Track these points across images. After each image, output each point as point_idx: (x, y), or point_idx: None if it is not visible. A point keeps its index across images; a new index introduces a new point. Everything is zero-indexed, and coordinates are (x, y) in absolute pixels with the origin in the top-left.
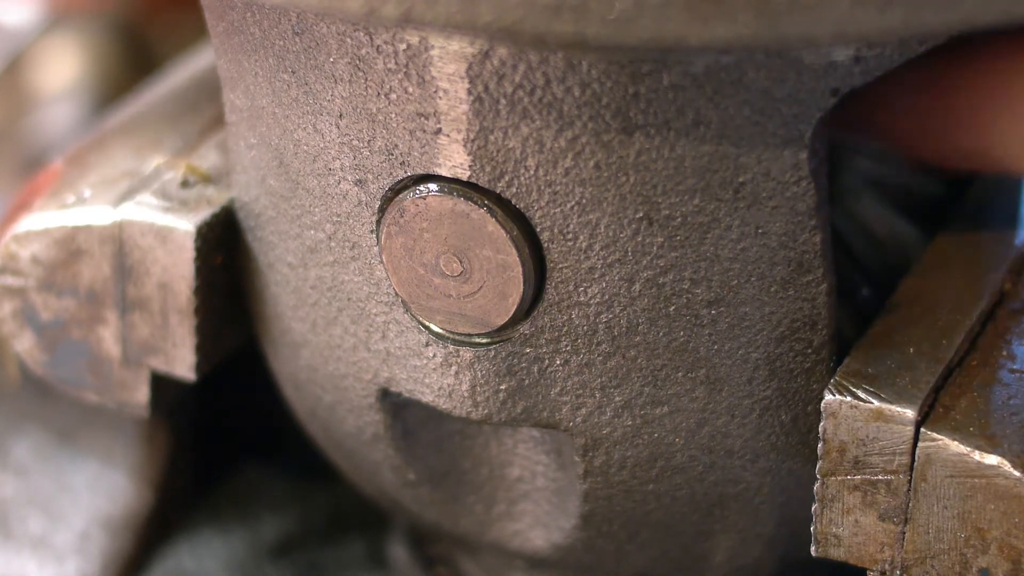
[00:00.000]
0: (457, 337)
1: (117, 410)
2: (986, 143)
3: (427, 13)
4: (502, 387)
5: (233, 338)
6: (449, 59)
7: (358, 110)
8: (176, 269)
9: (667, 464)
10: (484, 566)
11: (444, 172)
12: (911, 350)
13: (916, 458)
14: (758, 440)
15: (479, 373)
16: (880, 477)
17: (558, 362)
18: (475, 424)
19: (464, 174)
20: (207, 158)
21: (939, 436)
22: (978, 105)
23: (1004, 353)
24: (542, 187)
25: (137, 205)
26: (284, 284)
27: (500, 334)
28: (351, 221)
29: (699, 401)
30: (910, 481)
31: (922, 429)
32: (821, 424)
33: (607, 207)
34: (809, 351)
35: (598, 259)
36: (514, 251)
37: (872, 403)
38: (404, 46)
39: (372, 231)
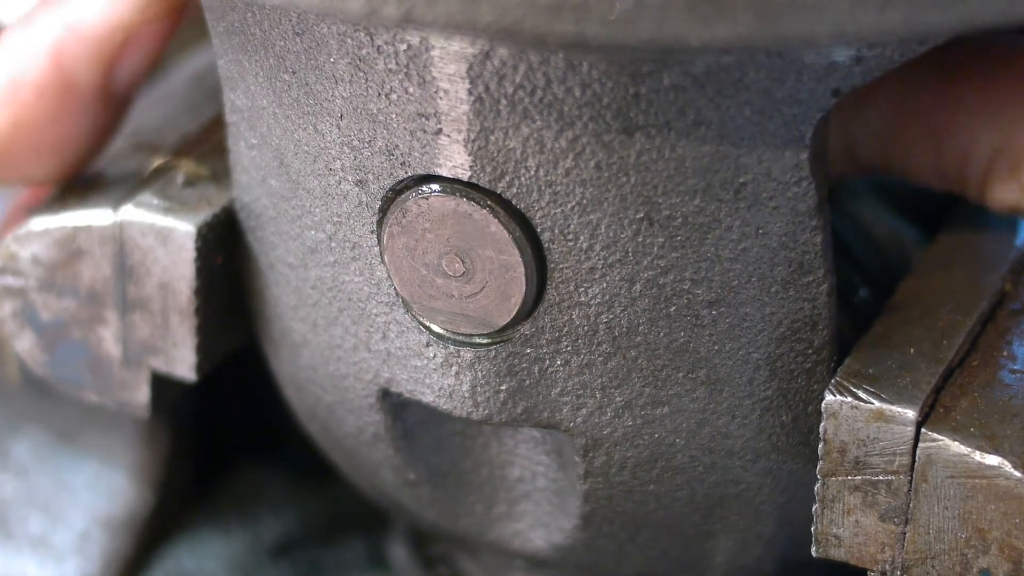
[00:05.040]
0: (458, 337)
1: (117, 410)
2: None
3: (428, 13)
4: (503, 387)
5: (233, 338)
6: (450, 59)
7: (359, 110)
8: (176, 269)
9: (668, 464)
10: (484, 566)
11: (444, 172)
12: (911, 350)
13: (917, 458)
14: (759, 440)
15: (480, 373)
16: (881, 477)
17: (559, 362)
18: (476, 424)
19: (465, 174)
20: (207, 158)
21: (940, 436)
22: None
23: (1004, 353)
24: (543, 187)
25: (137, 205)
26: (284, 284)
27: (501, 334)
28: (352, 221)
29: (700, 401)
30: (911, 482)
31: (923, 429)
32: (822, 424)
33: (608, 207)
34: (810, 351)
35: (599, 259)
36: (516, 251)
37: (873, 403)
38: (405, 46)
39: (373, 231)
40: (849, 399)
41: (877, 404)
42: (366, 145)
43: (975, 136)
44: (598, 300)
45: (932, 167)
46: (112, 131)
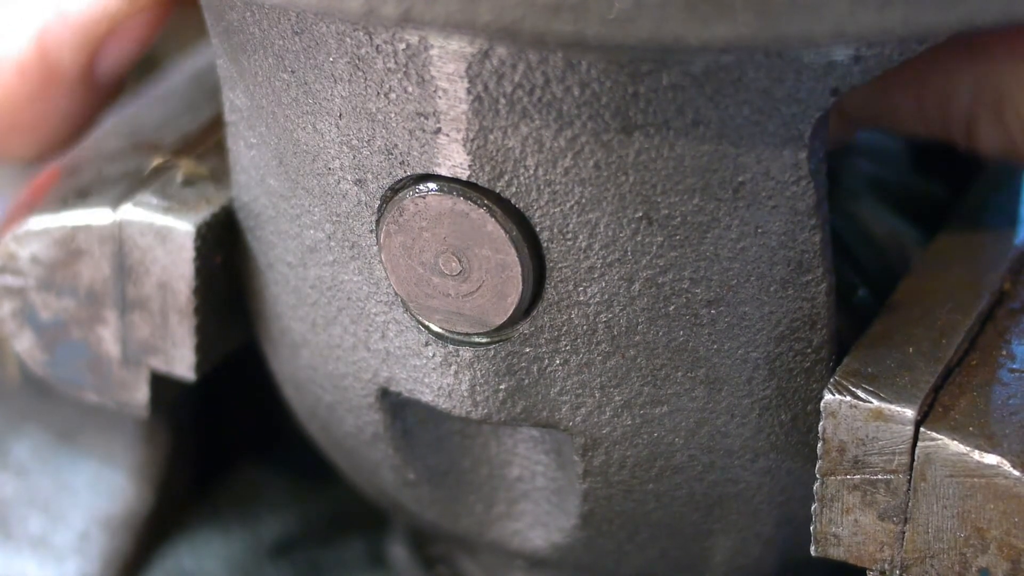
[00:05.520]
0: (456, 337)
1: (117, 410)
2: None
3: (426, 13)
4: (501, 387)
5: (233, 338)
6: (448, 59)
7: (358, 110)
8: (176, 269)
9: (667, 464)
10: (484, 566)
11: (443, 171)
12: (910, 350)
13: (916, 457)
14: (758, 440)
15: (478, 373)
16: (880, 476)
17: (557, 362)
18: (475, 424)
19: (463, 174)
20: (207, 158)
21: (939, 436)
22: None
23: (1003, 353)
24: (541, 187)
25: (136, 205)
26: (284, 284)
27: (499, 334)
28: (351, 221)
29: (699, 401)
30: (910, 481)
31: (922, 429)
32: (821, 424)
33: (606, 207)
34: (809, 351)
35: (597, 259)
36: (513, 251)
37: (872, 403)
38: (403, 46)
39: (372, 231)
40: (848, 398)
41: (876, 403)
42: (365, 144)
43: (955, 79)
44: (597, 299)
45: (916, 114)
46: (94, 117)
